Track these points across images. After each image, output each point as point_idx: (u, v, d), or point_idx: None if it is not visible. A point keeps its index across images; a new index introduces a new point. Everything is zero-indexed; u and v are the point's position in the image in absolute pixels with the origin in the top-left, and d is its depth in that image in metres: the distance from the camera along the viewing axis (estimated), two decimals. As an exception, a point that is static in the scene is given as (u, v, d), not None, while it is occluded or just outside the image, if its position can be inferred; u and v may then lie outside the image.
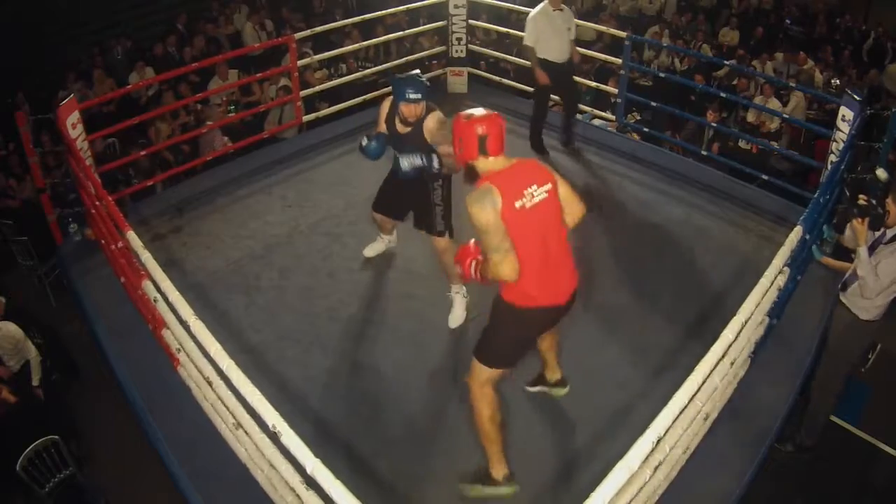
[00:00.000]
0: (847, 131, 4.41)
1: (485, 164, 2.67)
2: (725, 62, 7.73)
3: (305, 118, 6.16)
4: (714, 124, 6.73)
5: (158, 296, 3.15)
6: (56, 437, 3.78)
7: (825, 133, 5.04)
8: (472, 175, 2.73)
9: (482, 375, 2.85)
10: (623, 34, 6.24)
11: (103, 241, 4.29)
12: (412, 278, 4.42)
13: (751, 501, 3.22)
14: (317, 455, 2.15)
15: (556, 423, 3.43)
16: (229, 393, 2.69)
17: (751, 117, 7.52)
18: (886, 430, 4.32)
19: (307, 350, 3.88)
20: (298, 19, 9.45)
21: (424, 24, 7.59)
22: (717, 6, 10.81)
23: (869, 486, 4.07)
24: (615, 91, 6.37)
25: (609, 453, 3.12)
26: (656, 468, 2.51)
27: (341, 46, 7.32)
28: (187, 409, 3.36)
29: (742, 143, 7.12)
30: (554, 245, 2.71)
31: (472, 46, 7.13)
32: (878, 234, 3.47)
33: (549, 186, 2.70)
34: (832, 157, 4.62)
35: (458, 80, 6.97)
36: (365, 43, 7.42)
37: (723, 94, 6.35)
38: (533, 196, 2.63)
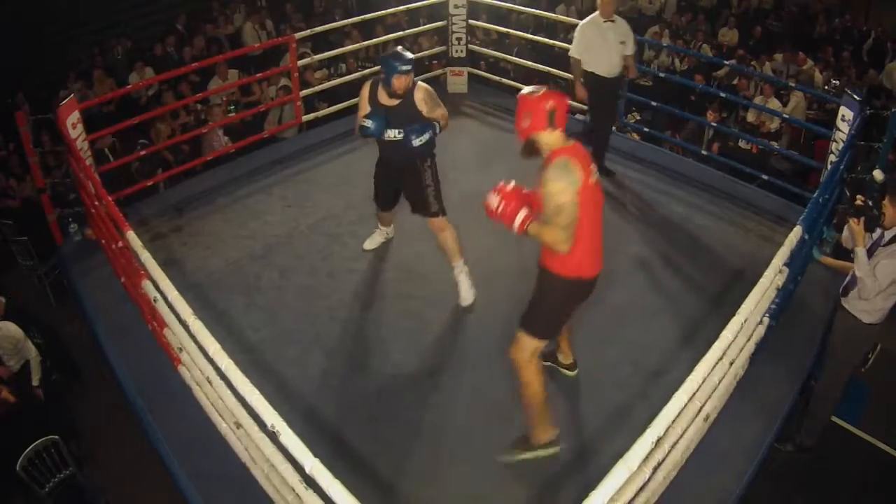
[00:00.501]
0: (847, 131, 4.41)
1: (550, 137, 2.81)
2: (725, 62, 7.72)
3: (305, 118, 6.16)
4: (714, 124, 6.73)
5: (158, 295, 3.15)
6: (56, 437, 3.78)
7: (825, 133, 5.04)
8: (531, 149, 2.87)
9: (530, 348, 2.99)
10: (623, 34, 6.21)
11: (103, 241, 4.29)
12: (412, 278, 4.42)
13: (751, 501, 3.22)
14: (316, 454, 2.16)
15: (556, 423, 3.42)
16: (229, 392, 2.69)
17: (751, 117, 7.51)
18: (886, 430, 4.32)
19: (307, 350, 3.88)
20: (298, 19, 9.46)
21: (424, 24, 7.59)
22: (717, 6, 10.80)
23: (869, 486, 4.07)
24: (615, 91, 6.35)
25: (609, 453, 3.14)
26: (656, 468, 2.51)
27: (341, 46, 7.32)
28: (187, 409, 3.36)
29: (742, 143, 7.11)
30: (600, 219, 2.93)
31: (472, 46, 7.13)
32: (876, 236, 3.47)
33: (595, 168, 2.90)
34: (832, 157, 4.62)
35: (458, 80, 6.97)
36: (365, 43, 7.42)
37: (723, 94, 6.35)
38: (593, 174, 2.84)
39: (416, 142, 3.67)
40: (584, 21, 5.14)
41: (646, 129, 6.42)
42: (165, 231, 4.89)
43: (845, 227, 3.57)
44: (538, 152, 2.87)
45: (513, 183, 2.95)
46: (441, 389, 3.64)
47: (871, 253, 3.44)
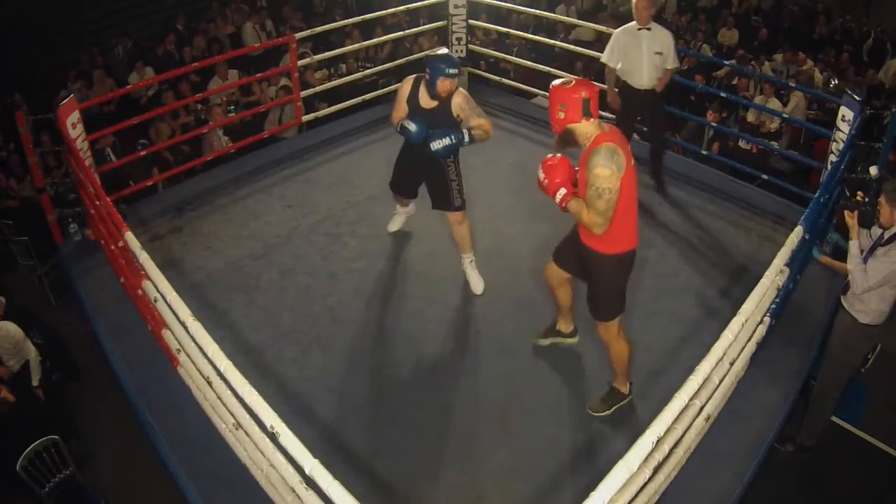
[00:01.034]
0: (847, 131, 4.40)
1: (587, 126, 2.90)
2: (725, 62, 7.72)
3: (305, 118, 6.16)
4: (714, 124, 6.73)
5: (158, 296, 3.15)
6: (56, 437, 3.78)
7: (825, 133, 5.03)
8: (567, 140, 2.95)
9: (613, 329, 3.25)
10: (623, 34, 6.21)
11: (103, 242, 4.29)
12: (412, 278, 4.43)
13: (751, 501, 3.22)
14: (316, 455, 2.15)
15: (556, 423, 3.43)
16: (228, 393, 2.69)
17: (751, 117, 7.51)
18: (886, 430, 4.32)
19: (306, 350, 3.88)
20: (297, 19, 9.46)
21: (424, 24, 7.59)
22: (717, 6, 10.80)
23: (869, 486, 4.07)
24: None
25: (609, 452, 3.14)
26: (656, 468, 2.51)
27: (341, 46, 7.32)
28: (187, 410, 3.36)
29: (742, 143, 7.11)
30: (636, 197, 3.03)
31: (472, 46, 7.13)
32: (875, 236, 3.47)
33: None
34: (832, 157, 4.62)
35: (458, 80, 6.96)
36: (365, 43, 7.42)
37: (723, 94, 6.35)
38: (631, 157, 2.90)
39: (435, 145, 3.62)
40: (620, 28, 4.91)
41: (646, 129, 6.40)
42: (165, 231, 4.89)
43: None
44: (573, 143, 2.96)
45: (559, 156, 3.04)
46: (441, 389, 3.64)
47: (871, 251, 3.44)
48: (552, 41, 7.66)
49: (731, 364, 3.03)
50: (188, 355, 3.05)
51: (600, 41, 8.36)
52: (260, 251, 4.67)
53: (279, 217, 5.04)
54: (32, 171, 4.98)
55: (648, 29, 4.73)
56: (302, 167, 5.68)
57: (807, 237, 3.57)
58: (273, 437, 2.30)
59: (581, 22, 8.57)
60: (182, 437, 3.34)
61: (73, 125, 4.43)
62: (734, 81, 7.97)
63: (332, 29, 7.20)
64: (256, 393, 2.38)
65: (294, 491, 2.43)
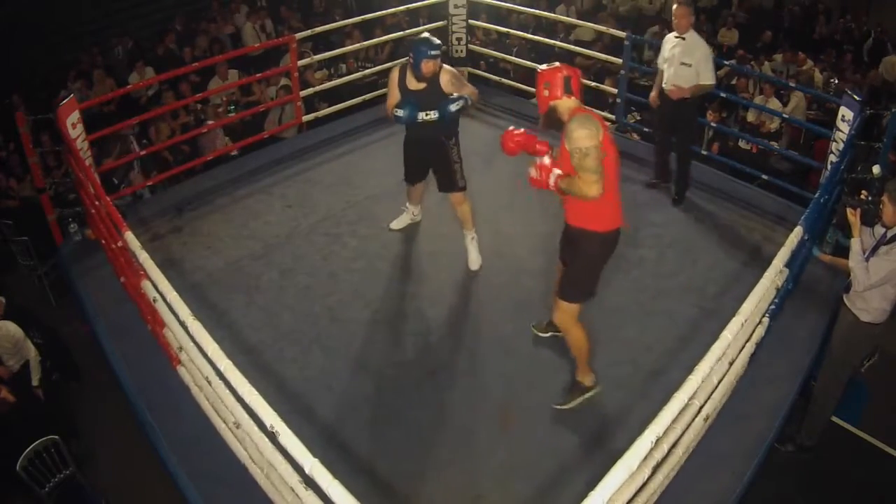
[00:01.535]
0: (847, 131, 4.40)
1: (567, 103, 3.11)
2: (725, 62, 7.72)
3: (305, 118, 6.16)
4: (714, 124, 6.72)
5: (157, 296, 3.15)
6: (56, 437, 3.78)
7: (825, 133, 5.03)
8: (551, 118, 3.16)
9: (575, 312, 3.34)
10: (623, 34, 6.22)
11: (103, 241, 4.29)
12: (412, 278, 4.43)
13: (751, 501, 3.22)
14: (315, 455, 2.16)
15: (556, 423, 3.43)
16: (228, 393, 2.69)
17: (751, 117, 7.51)
18: (886, 430, 4.32)
19: (307, 350, 3.88)
20: (297, 19, 9.46)
21: (424, 24, 7.58)
22: (717, 6, 10.80)
23: (869, 486, 4.06)
24: (615, 91, 6.36)
25: (608, 453, 3.14)
26: (656, 468, 2.51)
27: (341, 46, 7.32)
28: (187, 409, 3.37)
29: (742, 143, 7.11)
30: (618, 177, 3.17)
31: (472, 46, 7.13)
32: (878, 235, 3.47)
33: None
34: (832, 157, 4.62)
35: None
36: (365, 43, 7.42)
37: (723, 95, 6.35)
38: (610, 131, 3.07)
39: (454, 107, 3.91)
40: (669, 34, 4.94)
41: (646, 129, 6.41)
42: (165, 231, 4.89)
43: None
44: (557, 121, 3.14)
45: (548, 158, 3.19)
46: (441, 389, 3.64)
47: (874, 250, 3.45)
48: (552, 41, 7.65)
49: (731, 364, 3.03)
50: (188, 355, 3.05)
51: (600, 41, 8.41)
52: (260, 251, 4.67)
53: (279, 217, 5.04)
54: (32, 171, 4.98)
55: (683, 38, 4.73)
56: (302, 167, 5.68)
57: (806, 237, 3.57)
58: (273, 437, 2.30)
59: (581, 22, 8.57)
60: (182, 437, 3.34)
61: (73, 125, 4.43)
62: (734, 81, 7.96)
63: (332, 29, 7.21)
64: (256, 393, 2.38)
65: (294, 491, 2.43)
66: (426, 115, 3.94)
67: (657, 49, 8.86)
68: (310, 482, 2.21)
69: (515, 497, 3.09)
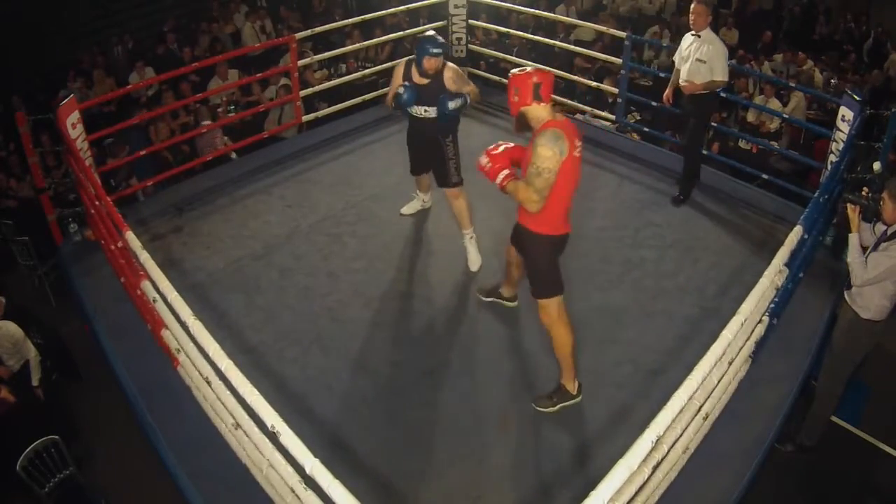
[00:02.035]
0: (847, 131, 4.41)
1: (537, 110, 3.07)
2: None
3: (305, 118, 6.16)
4: (714, 124, 6.72)
5: (157, 296, 3.15)
6: (56, 437, 3.78)
7: (825, 133, 5.04)
8: (523, 123, 3.14)
9: (554, 308, 3.33)
10: (623, 34, 6.23)
11: (103, 242, 4.29)
12: (412, 278, 4.43)
13: (751, 501, 3.22)
14: (316, 455, 2.16)
15: (556, 423, 3.42)
16: (228, 393, 2.69)
17: (751, 117, 7.51)
18: (886, 430, 4.32)
19: (307, 350, 3.88)
20: (296, 19, 9.46)
21: (424, 24, 7.58)
22: (716, 6, 10.79)
23: (869, 486, 4.07)
24: (615, 91, 6.36)
25: (609, 453, 3.14)
26: (655, 467, 2.51)
27: (341, 46, 7.32)
28: (187, 409, 3.37)
29: (742, 143, 7.11)
30: (576, 187, 3.19)
31: (472, 46, 7.13)
32: (880, 233, 3.48)
33: (581, 142, 3.11)
34: (832, 157, 4.62)
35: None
36: (365, 43, 7.42)
37: (723, 95, 6.34)
38: (579, 148, 3.08)
39: (452, 104, 4.02)
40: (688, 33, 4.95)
41: (646, 129, 6.41)
42: (165, 231, 4.89)
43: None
44: (527, 126, 3.13)
45: (503, 146, 3.21)
46: (441, 389, 3.64)
47: (875, 248, 3.46)
48: (552, 41, 7.66)
49: (730, 363, 3.03)
50: (188, 355, 3.05)
51: (600, 41, 8.42)
52: (260, 251, 4.67)
53: (279, 217, 5.04)
54: (32, 171, 4.98)
55: (699, 37, 4.75)
56: (302, 167, 5.68)
57: (806, 237, 3.57)
58: (273, 437, 2.30)
59: (581, 22, 8.58)
60: (182, 437, 3.34)
61: (73, 125, 4.43)
62: (734, 81, 7.96)
63: (332, 29, 7.21)
64: (257, 392, 2.38)
65: (293, 491, 2.43)
66: (424, 110, 4.10)
67: (657, 49, 8.96)
68: (310, 482, 2.21)
69: (515, 497, 3.09)
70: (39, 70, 8.51)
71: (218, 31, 8.98)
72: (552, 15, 8.15)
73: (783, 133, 7.31)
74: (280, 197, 5.28)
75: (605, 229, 4.88)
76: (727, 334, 2.65)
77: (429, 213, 4.93)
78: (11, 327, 4.35)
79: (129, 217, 4.44)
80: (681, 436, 2.72)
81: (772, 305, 3.49)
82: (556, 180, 3.01)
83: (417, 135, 4.35)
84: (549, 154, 2.95)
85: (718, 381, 2.96)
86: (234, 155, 6.19)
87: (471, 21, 6.89)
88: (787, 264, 3.33)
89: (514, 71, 3.13)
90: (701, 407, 2.84)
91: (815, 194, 3.76)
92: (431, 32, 4.22)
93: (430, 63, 4.04)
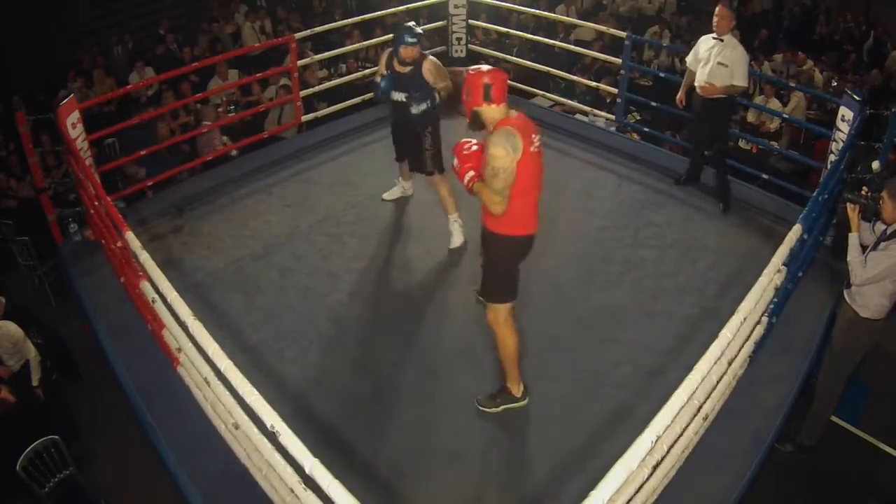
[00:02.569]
0: (847, 131, 4.41)
1: (489, 110, 3.04)
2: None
3: (305, 118, 6.16)
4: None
5: (157, 296, 3.15)
6: (56, 437, 3.78)
7: (825, 133, 5.04)
8: (476, 122, 3.10)
9: (503, 313, 3.28)
10: (623, 34, 6.23)
11: (103, 242, 4.29)
12: (412, 278, 4.43)
13: (751, 501, 3.22)
14: (315, 455, 2.16)
15: (556, 423, 3.43)
16: (228, 393, 2.69)
17: (751, 117, 7.51)
18: (886, 430, 4.32)
19: (307, 350, 3.88)
20: (295, 19, 9.46)
21: (424, 24, 7.58)
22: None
23: (869, 486, 4.07)
24: (615, 91, 6.36)
25: (608, 452, 3.13)
26: (655, 467, 2.51)
27: (341, 46, 7.31)
28: (187, 409, 3.37)
29: (742, 143, 7.11)
30: (540, 185, 3.15)
31: (472, 46, 7.13)
32: (880, 232, 3.48)
33: (539, 139, 3.08)
34: (832, 157, 4.62)
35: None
36: (365, 43, 7.42)
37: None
38: (537, 144, 3.05)
39: (415, 110, 4.24)
40: (705, 35, 4.91)
41: (646, 129, 6.42)
42: (165, 231, 4.89)
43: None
44: (482, 126, 3.10)
45: (474, 144, 3.16)
46: (440, 389, 3.64)
47: (875, 247, 3.47)
48: (552, 41, 7.66)
49: (730, 363, 3.03)
50: (188, 355, 3.05)
51: (600, 41, 8.42)
52: (260, 251, 4.67)
53: (279, 217, 5.04)
54: (32, 171, 4.98)
55: (721, 40, 4.72)
56: (302, 167, 5.68)
57: (806, 236, 3.57)
58: (273, 437, 2.30)
59: (581, 22, 8.58)
60: (182, 437, 3.34)
61: (73, 125, 4.43)
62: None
63: (332, 29, 7.21)
64: (257, 393, 2.38)
65: (293, 491, 2.43)
66: (403, 97, 4.26)
67: (657, 49, 8.96)
68: (310, 482, 2.21)
69: (515, 497, 3.09)
70: (39, 70, 8.50)
71: (218, 31, 8.98)
72: (552, 15, 8.15)
73: (783, 133, 7.31)
74: (280, 197, 5.28)
75: (605, 229, 4.88)
76: (727, 333, 2.65)
77: (429, 212, 4.93)
78: (11, 327, 4.36)
79: (129, 217, 4.45)
80: (680, 436, 2.72)
81: (771, 305, 3.49)
82: (516, 178, 2.96)
83: (399, 122, 4.54)
84: (502, 153, 2.91)
85: (718, 381, 2.96)
86: (234, 153, 6.18)
87: (471, 21, 6.90)
88: (787, 263, 3.33)
89: (470, 69, 3.11)
90: (700, 407, 2.84)
91: (815, 193, 3.76)
92: (411, 23, 4.38)
93: (407, 52, 4.20)
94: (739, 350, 3.15)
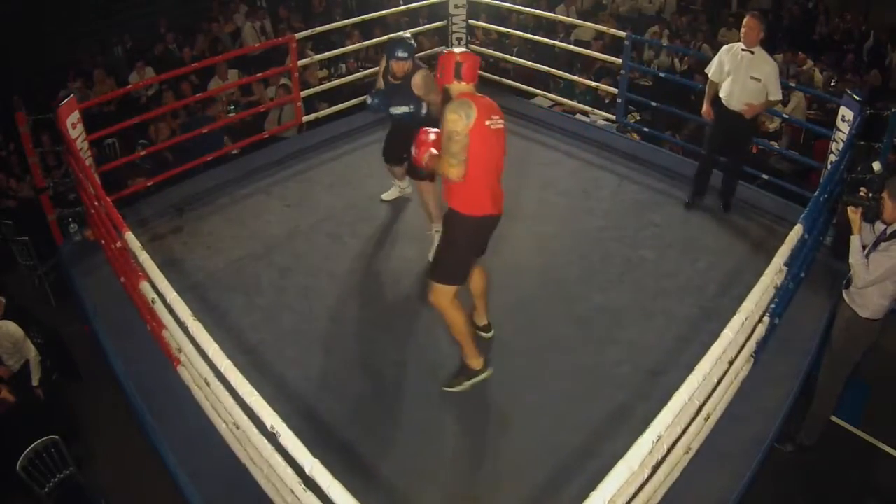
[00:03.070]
0: (847, 131, 4.41)
1: (458, 87, 3.24)
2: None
3: (305, 118, 6.16)
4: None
5: (156, 297, 3.14)
6: (56, 437, 3.78)
7: (825, 133, 5.03)
8: (448, 99, 3.23)
9: (447, 296, 3.36)
10: (623, 34, 6.23)
11: (103, 242, 4.29)
12: (411, 279, 4.42)
13: (751, 501, 3.22)
14: (315, 455, 2.15)
15: (556, 423, 3.42)
16: (227, 393, 2.69)
17: (751, 117, 7.49)
18: (886, 430, 4.32)
19: (306, 350, 3.88)
20: (296, 19, 9.46)
21: (424, 24, 7.59)
22: (716, 6, 10.81)
23: (869, 486, 4.06)
24: (615, 91, 6.36)
25: (609, 453, 3.13)
26: (656, 467, 2.51)
27: (341, 46, 7.31)
28: (187, 410, 3.37)
29: (742, 144, 7.09)
30: (500, 164, 3.29)
31: (472, 46, 7.12)
32: (879, 232, 3.48)
33: (503, 121, 3.26)
34: (832, 157, 4.62)
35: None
36: (365, 43, 7.42)
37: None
38: (495, 122, 3.20)
39: (393, 111, 4.22)
40: (727, 45, 4.76)
41: (646, 129, 6.41)
42: (165, 231, 4.90)
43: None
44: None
45: (430, 133, 3.32)
46: (440, 389, 3.63)
47: (874, 246, 3.46)
48: (552, 41, 7.65)
49: (731, 363, 3.03)
50: (188, 356, 3.05)
51: (600, 41, 8.42)
52: (260, 251, 4.67)
53: (279, 217, 5.04)
54: (32, 171, 4.97)
55: (751, 52, 4.52)
56: (302, 167, 5.68)
57: (806, 236, 3.57)
58: (273, 438, 2.30)
59: (581, 22, 8.57)
60: (182, 437, 3.34)
61: (73, 125, 4.43)
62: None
63: (332, 29, 7.20)
64: (256, 393, 2.38)
65: (293, 492, 2.43)
66: (398, 109, 4.25)
67: (657, 49, 8.95)
68: (310, 483, 2.21)
69: (515, 497, 3.09)
70: (39, 70, 8.50)
71: (218, 31, 8.98)
72: (552, 15, 8.14)
73: (783, 133, 7.31)
74: (280, 197, 5.28)
75: (605, 229, 4.88)
76: (728, 333, 2.65)
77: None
78: (11, 327, 4.36)
79: (129, 217, 4.45)
80: (681, 436, 2.72)
81: (772, 305, 3.49)
82: (470, 148, 3.08)
83: (395, 128, 4.56)
84: (455, 117, 3.05)
85: (719, 381, 2.96)
86: (235, 151, 6.17)
87: (471, 21, 6.89)
88: (788, 263, 3.33)
89: (445, 50, 3.32)
90: (701, 407, 2.84)
91: (816, 193, 3.76)
92: (406, 35, 4.34)
93: (397, 66, 4.18)
94: (741, 350, 3.15)
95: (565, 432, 3.37)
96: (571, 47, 7.40)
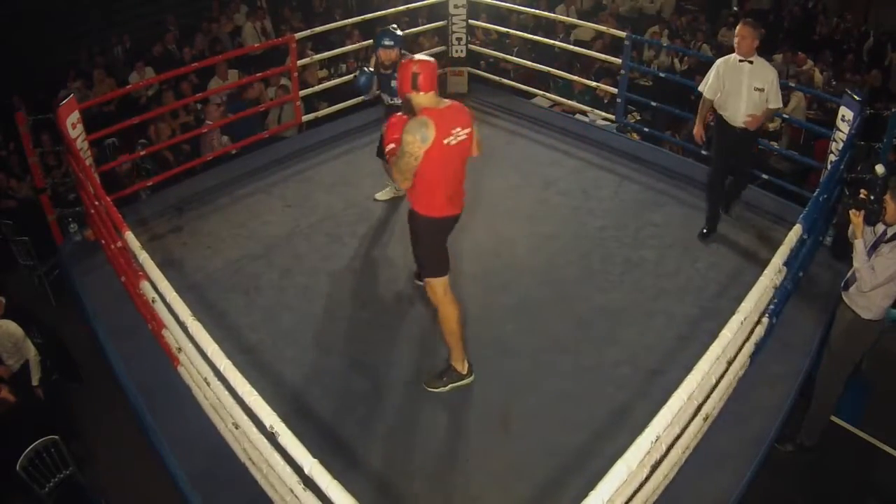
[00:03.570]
0: (847, 131, 4.40)
1: (416, 97, 3.19)
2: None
3: (305, 118, 6.16)
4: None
5: (156, 296, 3.15)
6: (56, 437, 3.78)
7: (825, 133, 5.03)
8: (408, 107, 3.26)
9: (440, 288, 3.44)
10: (623, 34, 6.22)
11: (103, 242, 4.29)
12: (412, 278, 4.42)
13: (751, 501, 3.22)
14: (315, 455, 2.16)
15: (556, 423, 3.42)
16: (227, 393, 2.69)
17: (751, 117, 7.48)
18: (886, 430, 4.32)
19: (306, 350, 3.88)
20: (297, 19, 9.46)
21: (424, 24, 7.58)
22: (716, 6, 10.80)
23: (869, 486, 4.06)
24: (615, 91, 6.36)
25: (608, 452, 3.13)
26: (655, 467, 2.51)
27: (341, 46, 7.31)
28: (187, 409, 3.37)
29: (742, 144, 7.09)
30: (460, 171, 3.33)
31: (472, 46, 7.12)
32: (879, 233, 3.48)
33: (468, 130, 3.26)
34: (832, 157, 4.61)
35: (458, 80, 6.97)
36: (365, 43, 7.41)
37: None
38: (457, 136, 3.19)
39: (387, 100, 4.35)
40: (722, 58, 4.48)
41: (646, 129, 6.41)
42: (165, 231, 4.90)
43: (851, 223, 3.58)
44: (413, 111, 3.24)
45: (401, 118, 3.29)
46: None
47: (874, 247, 3.45)
48: (552, 41, 7.65)
49: (730, 363, 3.03)
50: (187, 355, 3.05)
51: (600, 41, 8.42)
52: (260, 251, 4.67)
53: (279, 217, 5.04)
54: (32, 171, 4.98)
55: (750, 62, 4.30)
56: (302, 167, 5.69)
57: (806, 236, 3.56)
58: (272, 437, 2.30)
59: (581, 22, 8.57)
60: (182, 437, 3.34)
61: (73, 125, 4.43)
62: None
63: (332, 29, 7.20)
64: (256, 393, 2.38)
65: (293, 491, 2.43)
66: (390, 99, 4.30)
67: (657, 49, 8.95)
68: (309, 482, 2.21)
69: (515, 497, 3.09)
70: (39, 70, 8.50)
71: (218, 31, 8.98)
72: (552, 15, 8.14)
73: (783, 133, 7.30)
74: (280, 197, 5.28)
75: (605, 229, 4.88)
76: (727, 333, 2.65)
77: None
78: (11, 327, 4.36)
79: (128, 217, 4.45)
80: (680, 435, 2.72)
81: (771, 306, 3.49)
82: (423, 166, 3.12)
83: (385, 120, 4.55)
84: (410, 139, 3.08)
85: (718, 381, 2.96)
86: (234, 152, 6.18)
87: (471, 21, 6.89)
88: (787, 263, 3.33)
89: (406, 57, 3.35)
90: (700, 407, 2.84)
91: (816, 193, 3.76)
92: (392, 25, 4.42)
93: (384, 54, 4.26)
94: (739, 350, 3.15)
95: (565, 432, 3.37)
96: (571, 47, 7.40)
